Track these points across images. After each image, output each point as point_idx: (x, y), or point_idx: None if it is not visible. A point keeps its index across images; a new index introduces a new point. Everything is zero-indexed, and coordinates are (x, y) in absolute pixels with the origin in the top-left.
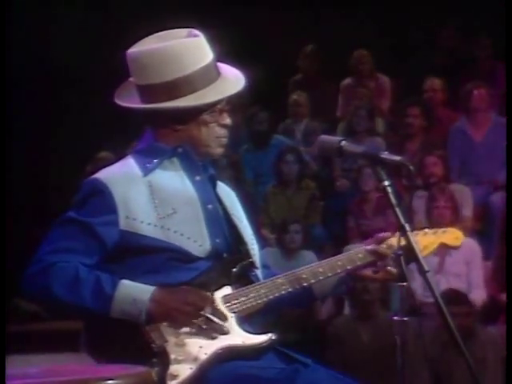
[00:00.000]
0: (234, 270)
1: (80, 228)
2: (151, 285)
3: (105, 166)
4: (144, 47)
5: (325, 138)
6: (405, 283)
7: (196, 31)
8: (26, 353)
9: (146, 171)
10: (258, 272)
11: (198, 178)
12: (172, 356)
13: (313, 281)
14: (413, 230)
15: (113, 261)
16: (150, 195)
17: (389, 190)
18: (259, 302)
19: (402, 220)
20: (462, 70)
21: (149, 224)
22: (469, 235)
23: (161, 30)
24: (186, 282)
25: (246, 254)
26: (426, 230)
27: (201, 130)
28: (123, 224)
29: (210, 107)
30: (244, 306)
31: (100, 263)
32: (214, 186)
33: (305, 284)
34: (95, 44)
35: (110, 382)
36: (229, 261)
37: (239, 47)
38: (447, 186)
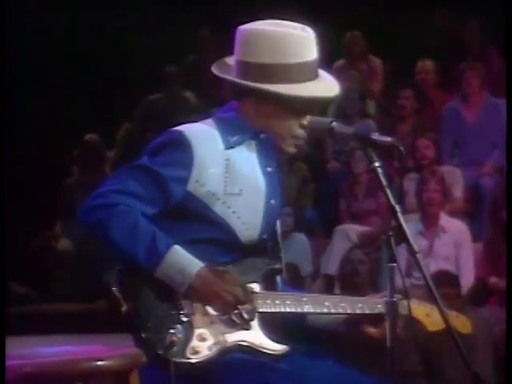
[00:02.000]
0: (264, 271)
1: (150, 176)
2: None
3: (91, 149)
4: (256, 26)
5: (315, 119)
6: (394, 264)
7: (308, 28)
8: (18, 335)
9: (228, 145)
10: (278, 278)
11: (269, 169)
12: (196, 331)
13: (333, 311)
14: (404, 212)
15: (168, 217)
16: (225, 168)
17: (379, 171)
18: (282, 310)
19: (393, 201)
20: (453, 51)
21: (213, 195)
22: (459, 217)
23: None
24: (219, 264)
25: (278, 259)
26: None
27: (282, 124)
28: (191, 186)
29: (296, 103)
30: (268, 309)
31: (159, 216)
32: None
33: (325, 310)
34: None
35: (100, 362)
36: (262, 259)
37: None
38: (438, 169)
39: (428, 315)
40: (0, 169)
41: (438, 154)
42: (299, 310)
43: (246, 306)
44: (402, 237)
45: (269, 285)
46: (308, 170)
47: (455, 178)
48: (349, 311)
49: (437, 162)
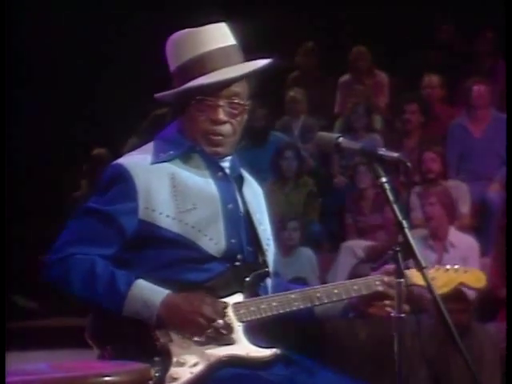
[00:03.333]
0: (248, 278)
1: (100, 218)
2: (163, 281)
3: (100, 163)
4: (172, 37)
5: (322, 134)
6: (402, 280)
7: (220, 23)
8: (24, 350)
9: (156, 159)
10: (268, 281)
11: (220, 174)
12: (174, 358)
13: (326, 301)
14: (411, 227)
15: (130, 250)
16: (172, 188)
17: (386, 186)
18: (269, 314)
19: (400, 216)
20: (460, 66)
21: (167, 216)
22: (466, 232)
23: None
24: (197, 283)
25: (263, 263)
26: (448, 267)
27: (197, 128)
28: (142, 214)
29: (207, 93)
30: (253, 317)
31: (119, 253)
32: (240, 186)
33: (317, 303)
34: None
35: (107, 378)
36: (243, 267)
37: (237, 44)
38: (441, 183)
39: (433, 278)
40: (8, 182)
41: (444, 168)
42: (288, 310)
43: (220, 322)
44: (409, 252)
45: (256, 291)
46: (315, 184)
47: (462, 192)
48: (344, 296)
49: (443, 176)
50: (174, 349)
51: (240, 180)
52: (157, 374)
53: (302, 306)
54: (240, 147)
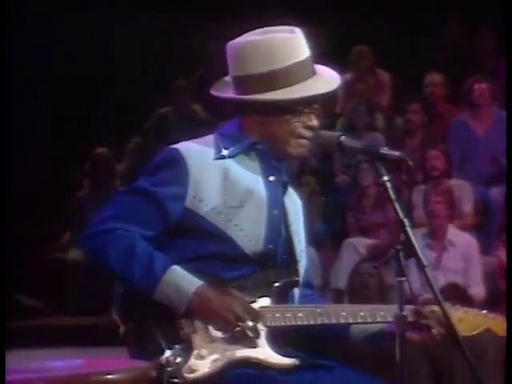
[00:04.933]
0: (277, 284)
1: (147, 198)
2: (194, 271)
3: (102, 163)
4: (242, 39)
5: (324, 133)
6: (403, 278)
7: (296, 29)
8: (27, 348)
9: (219, 155)
10: (296, 290)
11: (271, 178)
12: (195, 350)
13: (351, 320)
14: (413, 226)
15: (169, 236)
16: (223, 182)
17: (388, 185)
18: (293, 323)
19: (401, 215)
20: (462, 64)
21: (213, 209)
22: (468, 230)
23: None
24: (227, 280)
25: (294, 272)
26: (476, 312)
27: (283, 127)
28: (189, 202)
29: (296, 105)
30: (277, 323)
31: (159, 236)
32: (284, 193)
33: (342, 321)
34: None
35: (109, 376)
36: (274, 272)
37: (312, 43)
38: (444, 181)
39: (461, 320)
40: (9, 181)
41: (448, 166)
42: (312, 323)
43: (248, 324)
44: (410, 250)
45: (283, 298)
46: (316, 183)
47: (464, 191)
48: (369, 320)
49: (447, 174)
50: (197, 341)
51: (285, 187)
52: (176, 361)
53: (326, 322)
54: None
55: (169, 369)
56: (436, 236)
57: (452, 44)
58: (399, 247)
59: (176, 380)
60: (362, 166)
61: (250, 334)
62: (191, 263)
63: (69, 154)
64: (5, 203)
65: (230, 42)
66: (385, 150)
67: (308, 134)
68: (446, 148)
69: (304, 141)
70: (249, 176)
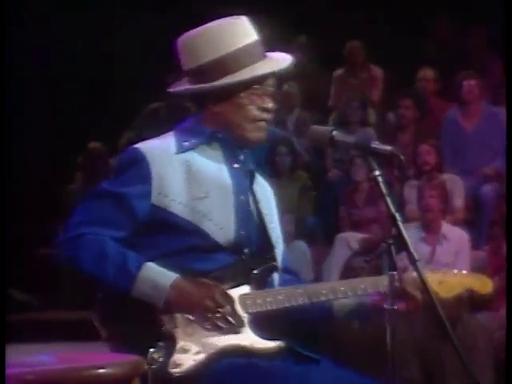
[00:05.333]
0: (255, 271)
1: (113, 200)
2: (171, 269)
3: (95, 157)
4: (190, 32)
5: (316, 127)
6: (395, 272)
7: (241, 16)
8: (20, 342)
9: (181, 149)
10: (276, 276)
11: (235, 165)
12: (179, 344)
13: (331, 297)
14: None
15: (140, 235)
16: (186, 175)
17: (379, 179)
18: (274, 307)
19: (393, 209)
20: (454, 60)
21: (179, 203)
22: (459, 225)
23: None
24: (204, 272)
25: (272, 257)
26: (456, 272)
27: (237, 113)
28: (155, 199)
29: (247, 88)
30: (259, 309)
31: (129, 236)
32: (252, 181)
33: (323, 298)
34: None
35: (101, 370)
36: (250, 260)
37: (260, 29)
38: (438, 176)
39: (441, 282)
40: (3, 175)
41: (439, 161)
42: (294, 303)
43: (228, 309)
44: (402, 245)
45: (263, 284)
46: (308, 178)
47: (456, 186)
48: (350, 294)
49: (439, 169)
50: (179, 335)
51: (252, 175)
52: (160, 359)
53: (307, 301)
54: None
55: (153, 367)
56: (430, 230)
57: (444, 39)
58: (391, 241)
59: (161, 375)
60: (355, 160)
61: (232, 320)
62: (166, 259)
63: (62, 148)
64: (4, 200)
65: (179, 38)
66: (376, 145)
67: (264, 116)
68: (437, 143)
69: (261, 123)
70: (212, 165)
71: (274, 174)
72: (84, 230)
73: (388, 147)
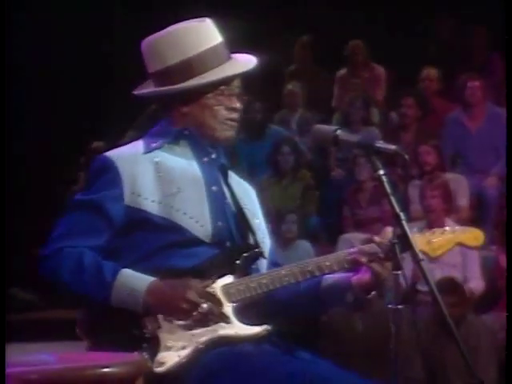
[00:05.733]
0: (238, 261)
1: (87, 208)
2: (153, 270)
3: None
4: (153, 35)
5: (320, 127)
6: (399, 271)
7: (205, 18)
8: (23, 341)
9: (148, 149)
10: (263, 265)
11: (205, 159)
12: (162, 343)
13: (317, 273)
14: (409, 220)
15: (118, 238)
16: (156, 173)
17: (384, 179)
18: (259, 292)
19: (397, 209)
20: (457, 60)
21: (153, 201)
22: (464, 225)
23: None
24: (187, 269)
25: (255, 244)
26: (446, 229)
27: (205, 113)
28: (128, 199)
29: (215, 88)
30: (243, 296)
31: (108, 242)
32: (225, 174)
33: (308, 276)
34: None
35: (106, 369)
36: (232, 251)
37: (234, 37)
38: (440, 175)
39: (429, 242)
40: (6, 175)
41: (440, 161)
42: (278, 286)
43: (205, 307)
44: (406, 244)
45: (247, 272)
46: (312, 177)
47: (460, 185)
48: (336, 268)
49: (440, 169)
50: (163, 335)
51: (224, 169)
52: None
53: (292, 281)
54: (238, 141)
55: None
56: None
57: (446, 39)
58: (395, 241)
59: (149, 377)
60: (358, 160)
61: (211, 316)
62: (148, 260)
63: (65, 148)
64: (5, 198)
65: (144, 40)
66: (380, 144)
67: (232, 115)
68: (437, 143)
69: (230, 123)
70: (181, 162)
71: (277, 174)
72: (61, 244)
73: (392, 146)
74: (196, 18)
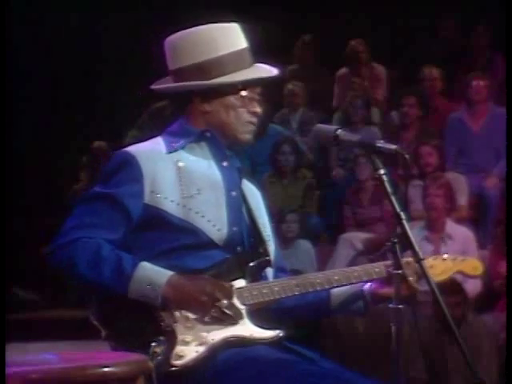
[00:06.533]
0: (251, 264)
1: (105, 202)
2: (165, 267)
3: (100, 156)
4: (179, 33)
5: (321, 126)
6: (400, 271)
7: (233, 22)
8: (23, 341)
9: (171, 149)
10: (270, 272)
11: (225, 163)
12: (179, 337)
13: (326, 287)
14: (409, 219)
15: (135, 235)
16: (177, 173)
17: (384, 178)
18: (271, 298)
19: (398, 208)
20: (459, 59)
21: (172, 201)
22: (464, 224)
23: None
24: (199, 270)
25: (264, 252)
26: (445, 256)
27: (229, 114)
28: (147, 198)
29: (239, 90)
30: (256, 300)
31: (124, 237)
32: (241, 178)
33: (318, 288)
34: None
35: (106, 369)
36: (244, 255)
37: (249, 38)
38: (441, 175)
39: (432, 266)
40: (8, 174)
41: (441, 161)
42: (289, 294)
43: (224, 302)
44: (407, 244)
45: (257, 279)
46: (313, 177)
47: (460, 185)
48: (344, 283)
49: (441, 169)
50: (179, 329)
51: (240, 172)
52: (163, 352)
53: (303, 291)
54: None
55: (156, 360)
56: (434, 229)
57: (448, 38)
58: (395, 240)
59: (166, 368)
60: (359, 159)
61: (229, 311)
62: (161, 259)
63: (67, 147)
64: (5, 196)
65: (168, 38)
66: (381, 144)
67: (253, 119)
68: (438, 143)
69: (251, 126)
70: (202, 163)
71: (278, 173)
72: (78, 235)
73: (392, 146)
74: (195, 19)
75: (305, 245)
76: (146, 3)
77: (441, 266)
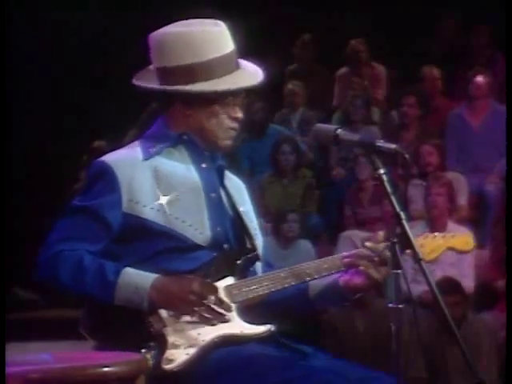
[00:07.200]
0: (239, 262)
1: (84, 214)
2: (150, 271)
3: (100, 156)
4: (167, 30)
5: (321, 126)
6: (399, 271)
7: (219, 22)
8: (24, 341)
9: (148, 155)
10: (259, 266)
11: (203, 165)
12: (169, 340)
13: (316, 276)
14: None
15: (117, 244)
16: (154, 180)
17: (384, 178)
18: (261, 293)
19: (397, 208)
20: (459, 59)
21: (152, 208)
22: (464, 223)
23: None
24: (187, 272)
25: (252, 247)
26: (436, 234)
27: (210, 120)
28: (126, 206)
29: (222, 97)
30: (245, 297)
31: (106, 247)
32: (222, 177)
33: (308, 279)
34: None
35: (105, 368)
36: (231, 253)
37: (235, 36)
38: (443, 174)
39: (422, 245)
40: (8, 174)
41: (442, 161)
42: (279, 287)
43: (212, 299)
44: (406, 243)
45: (246, 275)
46: (313, 176)
47: (460, 184)
48: (334, 271)
49: (441, 169)
50: (169, 333)
51: (221, 171)
52: (153, 358)
53: (293, 283)
54: (239, 140)
55: (149, 363)
56: (435, 229)
57: (448, 38)
58: (395, 240)
59: (158, 372)
60: (359, 159)
61: (217, 309)
62: (147, 264)
63: (67, 147)
64: (4, 196)
65: (153, 33)
66: (381, 143)
67: (234, 125)
68: (439, 142)
69: (231, 132)
70: (180, 167)
71: (278, 173)
72: (60, 248)
73: (392, 145)
74: (195, 17)
75: (305, 245)
76: (145, 3)
77: (431, 244)
